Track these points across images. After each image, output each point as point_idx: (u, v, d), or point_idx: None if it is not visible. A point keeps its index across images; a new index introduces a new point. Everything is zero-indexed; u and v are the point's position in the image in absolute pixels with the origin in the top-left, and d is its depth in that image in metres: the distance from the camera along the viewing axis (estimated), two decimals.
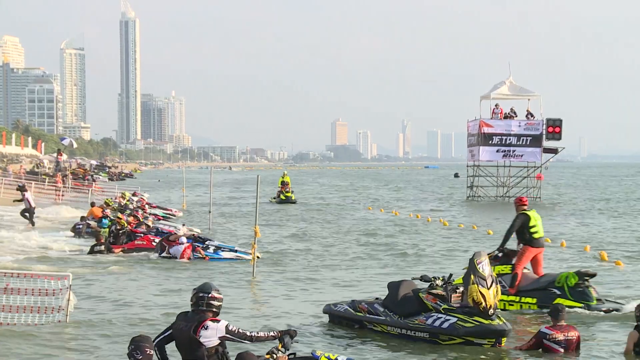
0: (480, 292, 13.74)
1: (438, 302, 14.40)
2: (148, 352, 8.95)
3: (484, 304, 13.77)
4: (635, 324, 13.39)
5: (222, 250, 26.30)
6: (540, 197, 59.47)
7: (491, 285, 13.85)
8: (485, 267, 13.97)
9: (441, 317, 14.17)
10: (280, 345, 10.03)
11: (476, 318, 13.85)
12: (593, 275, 17.70)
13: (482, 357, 13.55)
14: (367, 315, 15.23)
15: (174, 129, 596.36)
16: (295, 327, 15.07)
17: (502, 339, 13.91)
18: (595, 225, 39.52)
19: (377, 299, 15.79)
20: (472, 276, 13.85)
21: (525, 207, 18.35)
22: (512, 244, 18.53)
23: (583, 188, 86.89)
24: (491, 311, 13.83)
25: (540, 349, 13.52)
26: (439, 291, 14.59)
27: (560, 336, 13.43)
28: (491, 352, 13.75)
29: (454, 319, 14.02)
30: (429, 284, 14.88)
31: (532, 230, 18.06)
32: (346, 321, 15.51)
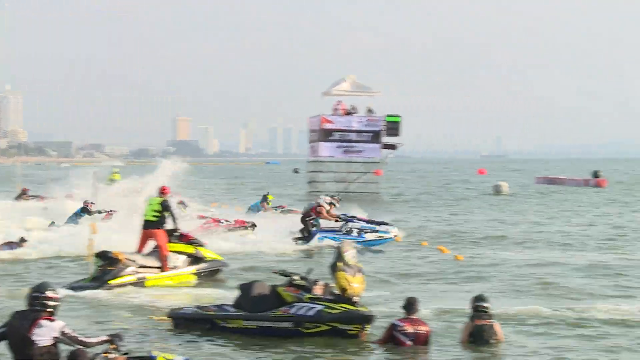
0: (347, 279, 14.05)
1: (301, 292, 14.43)
2: None
3: (349, 290, 14.05)
4: (471, 314, 14.08)
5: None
6: (379, 192, 60.42)
7: (356, 274, 14.20)
8: (351, 256, 14.27)
9: (306, 306, 14.26)
10: (114, 347, 10.16)
11: (342, 305, 14.05)
12: (101, 256, 19.46)
13: (332, 353, 13.59)
14: (219, 313, 14.91)
15: (8, 124, 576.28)
16: (134, 329, 14.79)
17: (367, 326, 14.18)
18: (434, 217, 40.40)
19: (222, 304, 15.55)
20: (338, 264, 14.15)
21: (163, 196, 20.90)
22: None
23: (420, 182, 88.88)
24: (356, 299, 14.14)
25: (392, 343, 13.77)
26: (301, 283, 14.58)
27: (409, 329, 13.72)
28: (342, 346, 13.84)
29: (320, 306, 14.16)
30: (287, 278, 14.80)
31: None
32: (194, 323, 15.02)
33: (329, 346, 14.02)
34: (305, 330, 14.31)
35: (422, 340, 13.81)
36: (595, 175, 79.12)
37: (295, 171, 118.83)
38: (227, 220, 31.16)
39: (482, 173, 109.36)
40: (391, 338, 13.85)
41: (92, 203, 33.33)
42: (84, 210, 32.81)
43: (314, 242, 28.12)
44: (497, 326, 14.16)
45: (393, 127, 58.23)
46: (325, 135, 58.26)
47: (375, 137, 58.29)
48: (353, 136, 58.26)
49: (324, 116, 58.41)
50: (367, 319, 14.26)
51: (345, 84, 59.98)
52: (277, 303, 14.58)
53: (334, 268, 14.27)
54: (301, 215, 29.32)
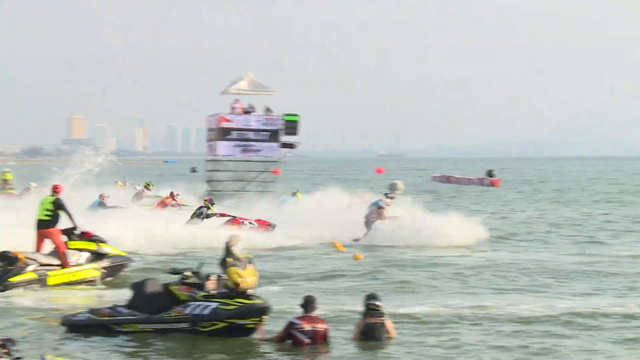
0: (238, 274, 14.08)
1: (194, 291, 14.37)
2: None
3: (242, 284, 14.09)
4: (364, 312, 14.34)
5: None
6: (276, 191, 60.34)
7: (247, 266, 14.24)
8: (239, 249, 14.29)
9: (201, 304, 14.22)
10: (5, 351, 10.03)
11: (237, 300, 14.08)
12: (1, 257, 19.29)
13: (229, 352, 13.56)
14: (114, 318, 14.72)
15: None
16: (28, 333, 14.54)
17: (265, 317, 14.26)
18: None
19: (114, 305, 15.39)
20: (228, 259, 14.19)
21: (55, 194, 20.59)
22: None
23: (317, 181, 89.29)
24: (250, 291, 14.17)
25: (291, 341, 13.90)
26: (194, 280, 14.51)
27: (307, 327, 13.83)
28: (241, 345, 13.81)
29: (215, 304, 14.14)
30: (179, 276, 14.69)
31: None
32: (89, 329, 14.77)
33: (226, 345, 14.00)
34: (203, 329, 14.29)
35: (320, 338, 13.94)
36: (490, 174, 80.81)
37: (193, 170, 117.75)
38: (250, 223, 31.19)
39: (380, 172, 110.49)
40: (289, 336, 13.94)
41: (107, 196, 35.60)
42: (101, 203, 34.90)
43: (377, 241, 28.58)
44: (389, 324, 14.39)
45: (291, 126, 58.27)
46: (223, 134, 57.95)
47: (273, 136, 58.23)
48: (251, 135, 58.10)
49: (222, 115, 58.08)
50: (264, 310, 14.33)
51: (243, 83, 59.74)
52: (171, 302, 14.50)
53: (224, 264, 14.31)
54: (365, 217, 29.68)
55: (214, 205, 32.42)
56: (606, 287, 20.43)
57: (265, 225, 31.20)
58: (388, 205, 30.00)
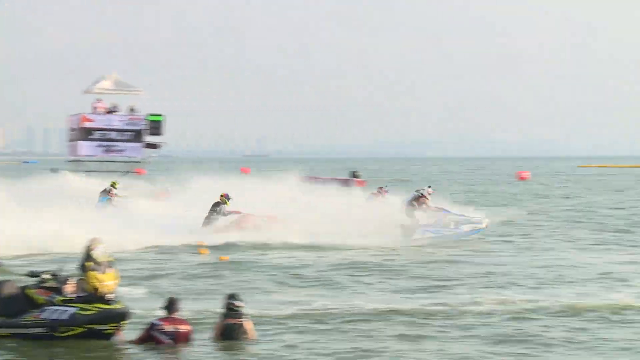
0: (97, 278, 13.87)
1: (52, 295, 14.10)
2: None
3: (101, 289, 13.86)
4: (224, 313, 14.43)
5: None
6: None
7: (107, 270, 14.03)
8: (100, 253, 14.07)
9: (58, 309, 13.91)
10: None
11: (96, 305, 13.86)
12: None
13: (86, 354, 13.38)
14: None
15: None
16: None
17: (124, 323, 14.07)
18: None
19: None
20: (87, 264, 13.95)
21: None
22: None
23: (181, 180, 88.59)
24: (109, 296, 13.97)
25: (153, 343, 13.89)
26: (52, 284, 14.23)
27: (169, 327, 13.87)
28: (102, 347, 13.68)
29: (74, 309, 13.88)
30: (37, 279, 14.40)
31: None
32: None
33: (85, 348, 13.81)
34: (60, 334, 14.03)
35: (182, 339, 13.99)
36: (354, 175, 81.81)
37: (53, 170, 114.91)
38: (262, 218, 30.79)
39: (246, 172, 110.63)
40: (150, 337, 13.89)
41: (115, 194, 38.30)
42: (109, 200, 37.79)
43: (417, 235, 28.73)
44: (248, 324, 14.49)
45: (155, 127, 57.94)
46: (85, 134, 57.13)
47: (137, 136, 57.72)
48: (114, 135, 57.48)
49: (85, 115, 57.22)
50: (123, 316, 14.17)
51: (106, 82, 58.90)
52: (28, 305, 14.19)
53: (83, 268, 14.08)
54: (405, 209, 29.70)
55: (230, 201, 31.52)
56: (462, 284, 21.01)
57: (275, 222, 30.85)
58: (430, 194, 30.09)
